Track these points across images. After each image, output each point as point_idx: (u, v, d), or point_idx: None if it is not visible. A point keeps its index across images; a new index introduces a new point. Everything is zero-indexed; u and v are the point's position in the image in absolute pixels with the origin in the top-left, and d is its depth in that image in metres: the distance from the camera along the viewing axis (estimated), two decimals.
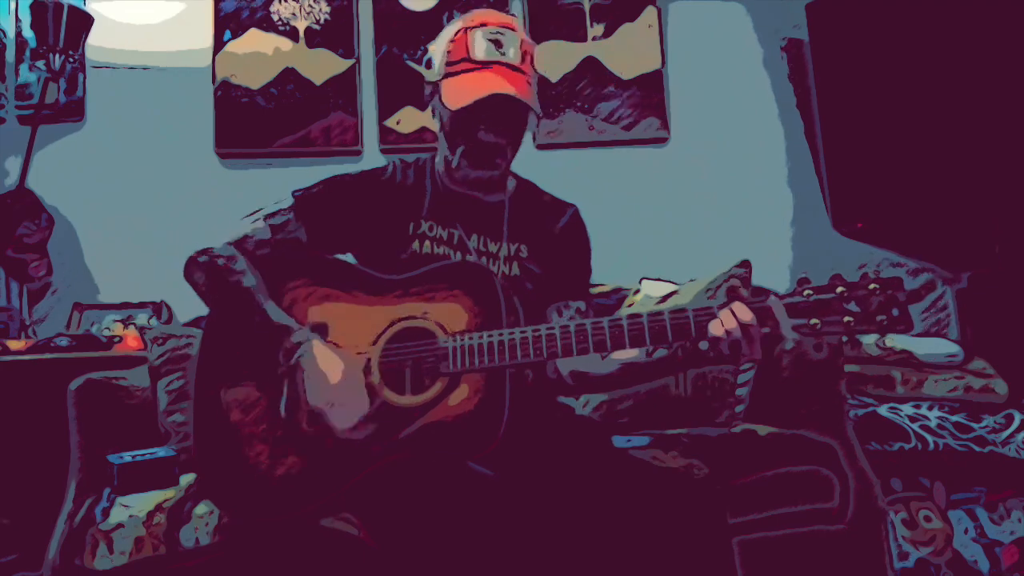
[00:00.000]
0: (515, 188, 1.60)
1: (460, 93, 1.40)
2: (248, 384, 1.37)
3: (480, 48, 1.41)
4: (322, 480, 1.29)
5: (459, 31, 1.44)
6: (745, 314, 1.18)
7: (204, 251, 1.42)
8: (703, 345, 1.21)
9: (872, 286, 1.13)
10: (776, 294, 1.20)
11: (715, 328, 1.19)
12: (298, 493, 1.29)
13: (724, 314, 1.19)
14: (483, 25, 1.43)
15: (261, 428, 1.34)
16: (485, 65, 1.40)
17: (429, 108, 1.52)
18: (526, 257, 1.53)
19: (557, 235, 1.58)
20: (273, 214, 1.47)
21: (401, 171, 1.57)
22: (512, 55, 1.41)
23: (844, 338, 1.24)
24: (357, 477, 1.26)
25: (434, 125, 1.56)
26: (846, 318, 1.14)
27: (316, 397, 1.27)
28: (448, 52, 1.45)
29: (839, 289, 1.15)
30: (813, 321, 1.15)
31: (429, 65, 1.49)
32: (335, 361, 1.30)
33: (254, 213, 1.49)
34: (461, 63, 1.42)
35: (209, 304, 1.45)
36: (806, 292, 1.16)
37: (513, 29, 1.44)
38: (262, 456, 1.32)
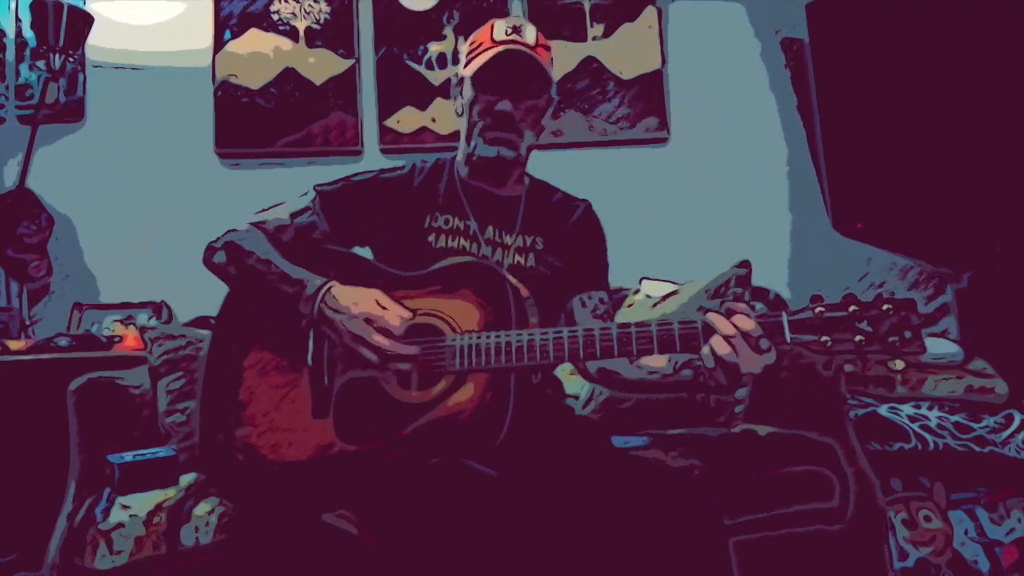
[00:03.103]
0: (530, 185, 1.64)
1: (478, 61, 1.48)
2: (266, 350, 1.37)
3: (500, 30, 1.51)
4: (333, 465, 1.28)
5: (482, 27, 1.55)
6: (747, 323, 1.14)
7: (223, 235, 1.45)
8: (709, 362, 1.17)
9: (885, 307, 1.11)
10: (787, 309, 1.18)
11: (718, 346, 1.15)
12: (305, 480, 1.29)
13: (721, 324, 1.15)
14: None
15: (276, 404, 1.34)
16: (504, 43, 1.48)
17: (455, 106, 1.59)
18: (542, 249, 1.54)
19: (571, 229, 1.60)
20: (296, 207, 1.51)
21: (420, 170, 1.61)
22: (531, 38, 1.51)
23: (851, 361, 1.21)
24: (365, 467, 1.26)
25: (452, 125, 1.58)
26: (857, 337, 1.11)
27: (354, 324, 1.27)
28: (471, 42, 1.54)
29: (851, 308, 1.12)
30: (824, 338, 1.13)
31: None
32: (360, 291, 1.31)
33: (275, 205, 1.51)
34: (482, 45, 1.51)
35: (229, 280, 1.45)
36: (817, 309, 1.14)
37: (532, 27, 1.55)
38: (272, 439, 1.32)
